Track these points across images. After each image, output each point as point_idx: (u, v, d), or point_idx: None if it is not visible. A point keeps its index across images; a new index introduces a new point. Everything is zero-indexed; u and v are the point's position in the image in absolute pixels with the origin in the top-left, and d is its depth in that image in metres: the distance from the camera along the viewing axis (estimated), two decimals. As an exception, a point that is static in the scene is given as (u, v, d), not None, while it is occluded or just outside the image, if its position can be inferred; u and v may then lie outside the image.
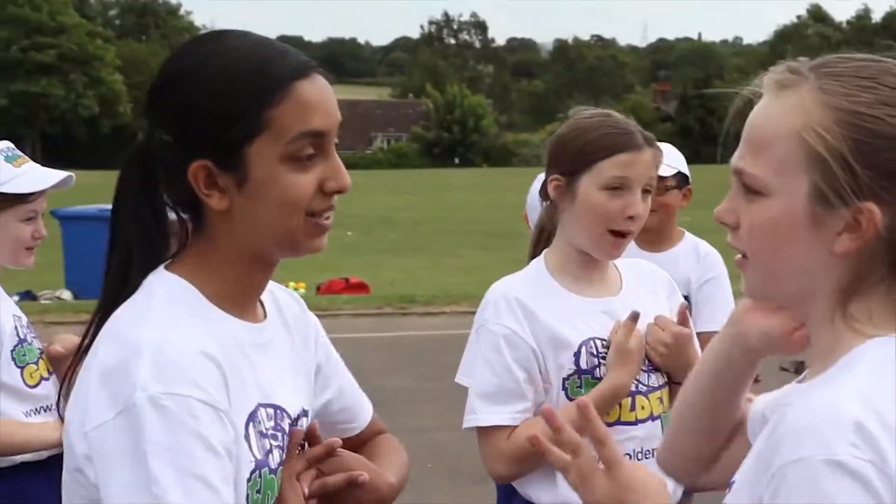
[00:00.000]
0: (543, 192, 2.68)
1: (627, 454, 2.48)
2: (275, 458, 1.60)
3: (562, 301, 2.57)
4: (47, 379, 3.08)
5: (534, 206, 4.10)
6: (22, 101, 65.68)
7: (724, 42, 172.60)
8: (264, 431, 1.58)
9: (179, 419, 1.42)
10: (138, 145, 1.63)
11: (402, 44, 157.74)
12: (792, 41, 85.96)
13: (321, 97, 1.55)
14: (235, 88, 1.52)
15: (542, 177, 4.05)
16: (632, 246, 4.29)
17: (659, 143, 4.33)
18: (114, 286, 1.61)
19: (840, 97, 1.33)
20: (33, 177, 3.06)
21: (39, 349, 3.10)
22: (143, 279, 1.60)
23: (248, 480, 1.54)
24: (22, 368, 3.00)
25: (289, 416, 1.65)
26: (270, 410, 1.60)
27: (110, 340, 1.52)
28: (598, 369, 2.52)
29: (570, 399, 2.50)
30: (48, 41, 66.84)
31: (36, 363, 3.06)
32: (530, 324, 2.53)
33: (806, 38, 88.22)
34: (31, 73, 66.37)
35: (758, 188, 1.37)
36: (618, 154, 2.52)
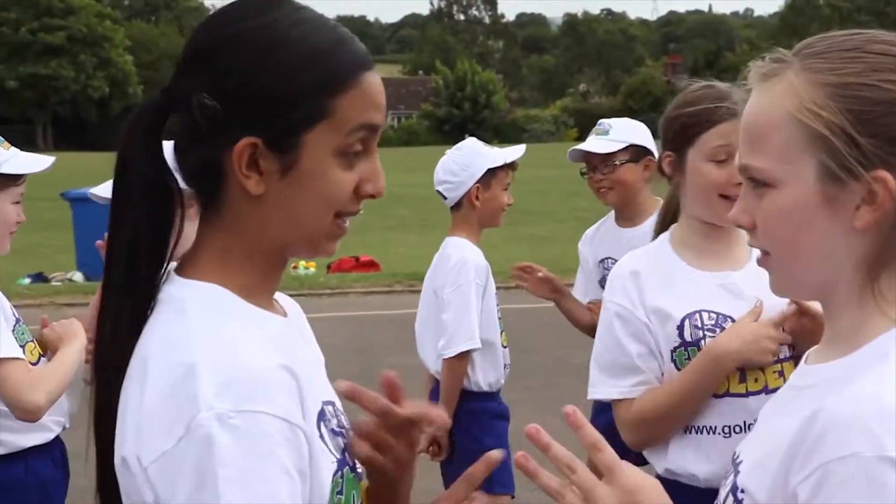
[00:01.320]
0: (659, 169, 2.74)
1: (738, 426, 2.51)
2: (351, 457, 1.47)
3: (675, 274, 2.60)
4: (44, 356, 3.13)
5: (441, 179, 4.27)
6: (32, 83, 65.72)
7: (735, 14, 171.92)
8: (335, 429, 1.45)
9: (252, 438, 1.26)
10: (153, 100, 1.44)
11: (412, 21, 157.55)
12: (803, 12, 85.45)
13: (381, 91, 1.45)
14: (308, 66, 1.38)
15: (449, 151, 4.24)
16: (612, 224, 4.44)
17: (610, 120, 4.47)
18: (120, 287, 1.44)
19: (828, 73, 1.31)
20: (22, 159, 3.09)
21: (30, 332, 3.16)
22: (152, 275, 1.43)
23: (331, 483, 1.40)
24: (23, 347, 3.04)
25: (341, 411, 1.52)
26: (331, 407, 1.47)
27: (153, 366, 1.34)
28: (703, 341, 2.54)
29: (679, 370, 2.55)
30: (57, 22, 66.85)
31: (32, 341, 3.11)
32: (641, 298, 2.59)
33: (817, 9, 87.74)
34: (41, 55, 66.41)
35: (766, 180, 1.35)
36: (718, 125, 2.55)
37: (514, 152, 4.27)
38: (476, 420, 4.20)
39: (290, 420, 1.30)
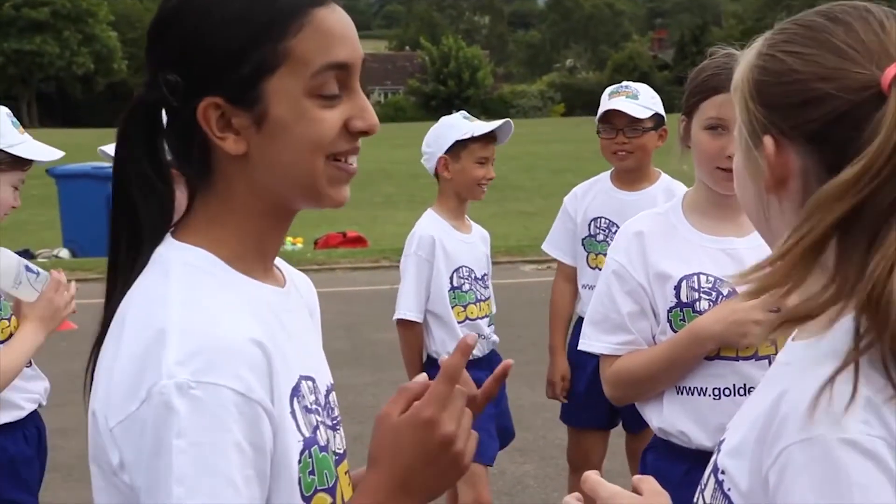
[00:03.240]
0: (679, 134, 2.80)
1: (728, 388, 2.56)
2: (323, 436, 1.45)
3: (678, 236, 2.66)
4: (8, 337, 3.11)
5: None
6: (16, 60, 65.27)
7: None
8: (308, 406, 1.43)
9: (210, 410, 1.26)
10: (139, 96, 1.46)
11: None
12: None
13: (343, 25, 1.42)
14: (249, 16, 1.38)
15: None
16: (607, 185, 4.53)
17: (635, 84, 4.53)
18: (124, 264, 1.46)
19: (764, 45, 1.35)
20: (33, 146, 3.10)
21: (10, 307, 3.15)
22: (152, 252, 1.44)
23: (299, 462, 1.38)
24: (3, 322, 3.05)
25: (320, 389, 1.50)
26: (310, 383, 1.46)
27: (129, 326, 1.36)
28: (698, 303, 2.60)
29: (675, 331, 2.61)
30: (41, -2, 66.34)
31: (8, 320, 3.10)
32: (641, 258, 2.66)
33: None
34: (25, 31, 65.90)
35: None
36: (715, 95, 2.58)
37: (485, 126, 4.29)
38: None
39: (248, 395, 1.30)
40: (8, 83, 65.97)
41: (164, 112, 1.46)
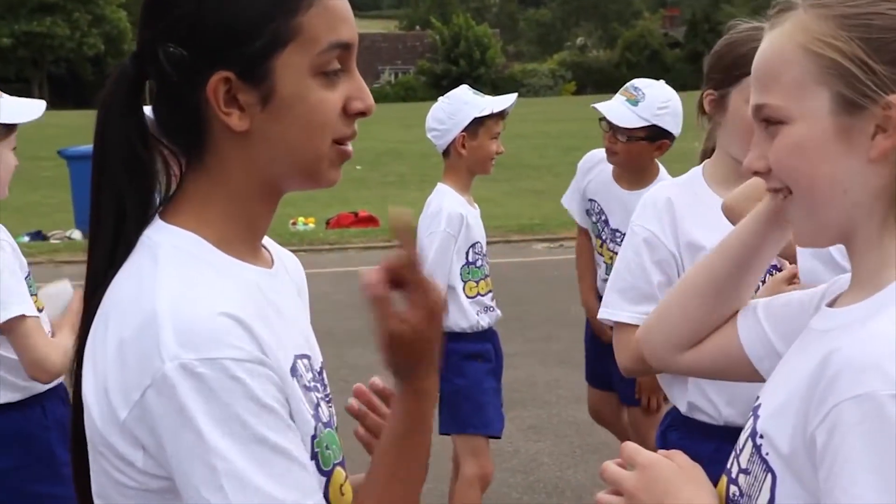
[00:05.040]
0: (700, 107, 2.74)
1: None
2: (325, 413, 1.48)
3: (708, 207, 2.60)
4: (41, 311, 3.19)
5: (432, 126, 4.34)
6: (26, 42, 65.31)
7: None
8: (308, 385, 1.44)
9: (219, 384, 1.26)
10: (125, 70, 1.46)
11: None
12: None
13: (345, 5, 1.43)
14: None
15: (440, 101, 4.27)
16: (612, 185, 4.47)
17: (650, 89, 4.39)
18: (107, 246, 1.44)
19: (836, 6, 1.33)
20: (16, 106, 3.11)
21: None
22: (139, 233, 1.44)
23: (315, 438, 1.42)
24: (34, 298, 3.09)
25: (315, 366, 1.51)
26: (305, 361, 1.47)
27: (119, 311, 1.35)
28: None
29: None
30: (51, -21, 66.33)
31: (36, 294, 3.15)
32: (673, 227, 2.63)
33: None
34: (35, 12, 65.93)
35: (780, 118, 1.36)
36: None
37: (502, 101, 4.31)
38: (447, 360, 4.31)
39: (251, 360, 1.30)
40: (19, 65, 66.02)
41: (150, 86, 1.45)
